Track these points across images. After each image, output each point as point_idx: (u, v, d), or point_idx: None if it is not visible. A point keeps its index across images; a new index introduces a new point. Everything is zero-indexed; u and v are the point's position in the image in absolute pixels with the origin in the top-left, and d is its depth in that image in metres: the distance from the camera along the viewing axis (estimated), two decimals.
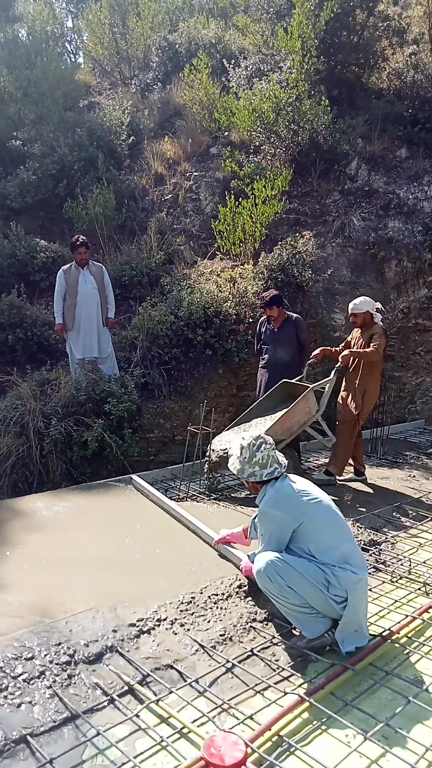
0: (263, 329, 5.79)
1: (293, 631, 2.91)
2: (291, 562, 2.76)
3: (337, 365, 5.14)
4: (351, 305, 5.30)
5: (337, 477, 5.40)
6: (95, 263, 6.36)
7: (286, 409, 4.91)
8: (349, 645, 2.72)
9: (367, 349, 5.10)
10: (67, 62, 12.96)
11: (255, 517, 3.37)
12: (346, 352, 5.08)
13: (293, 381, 5.35)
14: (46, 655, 2.58)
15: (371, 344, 5.10)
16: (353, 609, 2.70)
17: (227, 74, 9.85)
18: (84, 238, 6.18)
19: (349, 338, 5.53)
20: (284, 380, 5.37)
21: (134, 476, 5.10)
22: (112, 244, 7.90)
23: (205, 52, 10.00)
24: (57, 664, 2.55)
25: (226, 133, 9.43)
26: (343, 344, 5.49)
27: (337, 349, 5.35)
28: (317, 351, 5.33)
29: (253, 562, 3.03)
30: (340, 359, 5.09)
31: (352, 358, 5.12)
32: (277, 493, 2.87)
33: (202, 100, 9.46)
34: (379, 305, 5.36)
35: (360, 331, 5.36)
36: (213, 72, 9.85)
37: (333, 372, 5.16)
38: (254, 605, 3.15)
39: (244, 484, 3.15)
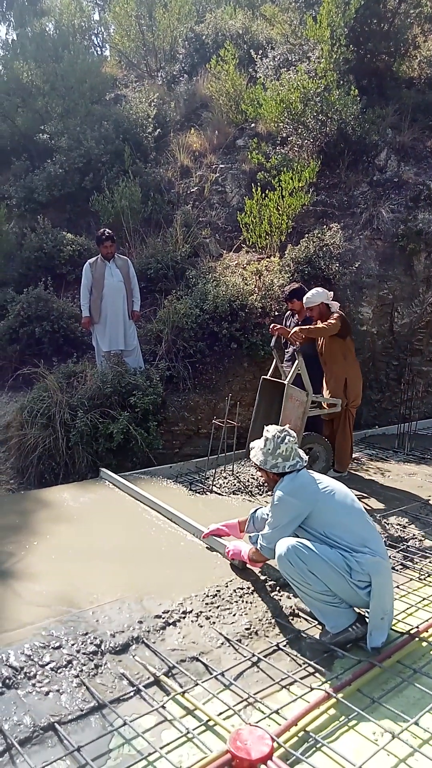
0: (288, 323, 5.77)
1: (319, 626, 2.89)
2: (312, 546, 2.74)
3: (294, 347, 4.97)
4: (304, 299, 5.18)
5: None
6: (121, 256, 6.38)
7: (280, 420, 4.70)
8: (377, 638, 2.68)
9: (318, 325, 4.93)
10: (94, 55, 12.99)
11: (255, 511, 3.43)
12: (296, 328, 4.89)
13: (269, 378, 5.26)
14: (73, 645, 2.61)
15: (326, 323, 4.92)
16: (378, 593, 2.67)
17: (254, 65, 9.75)
18: (110, 231, 6.20)
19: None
20: (263, 378, 5.29)
21: (104, 470, 5.00)
22: (137, 237, 7.91)
23: (232, 43, 9.91)
24: (84, 653, 2.57)
25: (252, 125, 9.35)
26: (290, 334, 5.15)
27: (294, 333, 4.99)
28: (276, 327, 5.14)
29: (255, 544, 3.09)
30: (290, 338, 4.94)
31: (322, 355, 5.13)
32: (294, 482, 2.91)
33: (229, 92, 9.39)
34: (331, 294, 5.23)
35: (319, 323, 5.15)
36: (240, 63, 9.76)
37: (297, 354, 4.98)
38: (280, 600, 3.13)
39: (261, 475, 3.18)
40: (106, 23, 14.03)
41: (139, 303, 6.42)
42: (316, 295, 5.15)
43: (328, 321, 4.96)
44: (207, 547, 3.68)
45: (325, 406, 5.22)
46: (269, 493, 4.44)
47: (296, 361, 5.01)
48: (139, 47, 11.78)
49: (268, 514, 3.21)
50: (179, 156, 9.02)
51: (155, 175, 8.63)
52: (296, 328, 4.91)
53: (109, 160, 8.44)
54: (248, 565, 3.37)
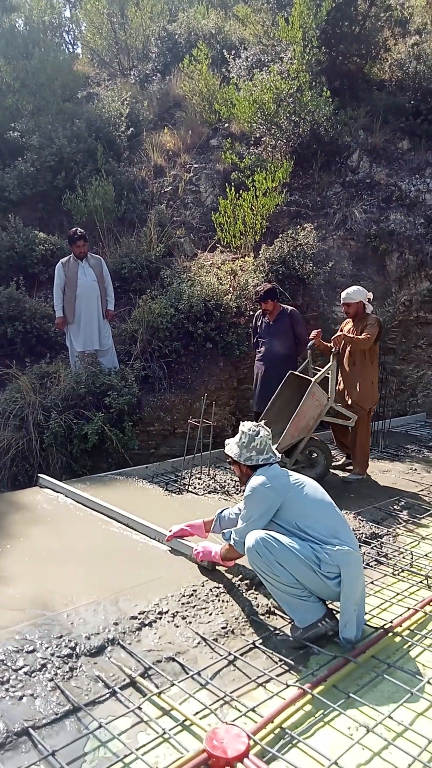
0: (259, 323, 5.79)
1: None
2: (281, 538, 2.77)
3: (333, 350, 5.01)
4: (344, 294, 5.20)
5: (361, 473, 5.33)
6: (94, 255, 6.33)
7: (296, 413, 4.82)
8: (350, 629, 2.70)
9: (360, 336, 4.99)
10: (65, 53, 12.83)
11: (221, 511, 3.44)
12: (339, 334, 5.01)
13: (298, 373, 5.29)
14: (47, 648, 2.58)
15: (364, 333, 5.00)
16: (348, 584, 2.69)
17: (227, 65, 9.77)
18: (82, 230, 6.15)
19: (339, 330, 5.40)
20: (291, 372, 5.29)
21: (43, 476, 4.81)
22: (111, 236, 7.86)
23: (205, 43, 9.92)
24: (58, 656, 2.54)
25: (226, 125, 9.37)
26: (334, 337, 5.30)
27: (329, 344, 5.15)
28: (314, 332, 5.16)
29: (228, 540, 3.08)
30: (332, 342, 5.00)
31: (344, 344, 5.07)
32: (266, 473, 2.97)
33: (202, 91, 9.39)
34: (370, 296, 5.29)
35: (353, 322, 5.27)
36: (213, 63, 9.77)
37: (332, 356, 5.01)
38: (256, 598, 3.14)
39: (235, 470, 3.20)
40: (77, 20, 13.90)
41: (114, 302, 6.38)
42: (356, 292, 5.15)
43: (370, 332, 4.96)
44: (169, 550, 3.61)
45: (337, 419, 5.14)
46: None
47: (330, 364, 5.00)
48: (112, 45, 11.70)
49: (240, 509, 3.23)
50: (153, 155, 8.99)
51: (129, 174, 8.59)
52: (339, 334, 4.99)
53: (81, 158, 8.36)
54: (219, 566, 3.35)
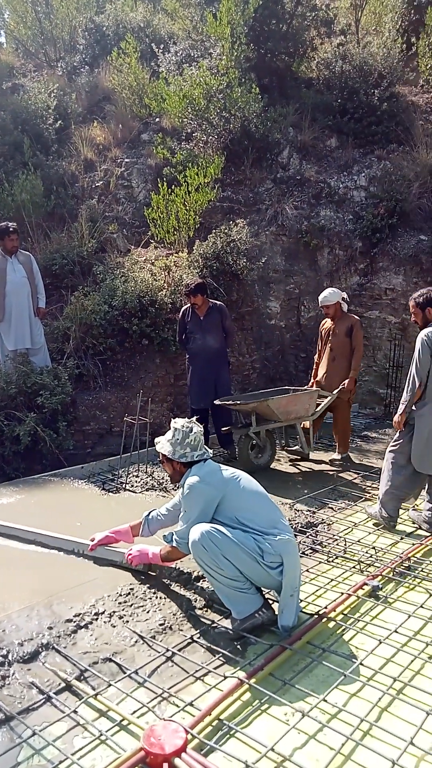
0: (187, 318, 5.75)
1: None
2: (225, 531, 2.77)
3: (341, 388, 5.51)
4: (321, 298, 5.62)
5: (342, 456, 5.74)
6: (23, 252, 6.14)
7: (294, 393, 5.40)
8: (288, 616, 2.74)
9: (357, 354, 5.54)
10: None
11: (148, 514, 3.36)
12: (352, 376, 5.51)
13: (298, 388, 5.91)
14: None
15: (353, 340, 5.51)
16: (289, 571, 2.74)
17: (157, 59, 9.69)
18: (14, 224, 5.95)
19: (321, 328, 5.84)
20: (286, 387, 6.01)
21: None
22: (41, 231, 7.65)
23: (134, 36, 9.80)
24: None
25: (157, 120, 9.30)
26: (320, 340, 5.85)
27: (344, 384, 5.52)
28: (348, 383, 5.52)
29: (170, 542, 3.02)
30: (346, 385, 5.50)
31: (325, 340, 5.70)
32: (202, 470, 2.96)
33: (132, 85, 9.28)
34: (344, 295, 5.72)
35: (333, 321, 5.66)
36: (142, 56, 9.66)
37: (336, 391, 5.52)
38: (194, 593, 3.14)
39: (166, 469, 3.15)
40: (0, 8, 13.41)
41: (45, 300, 6.21)
42: (332, 294, 5.60)
43: (360, 340, 5.52)
44: (93, 561, 3.41)
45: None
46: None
47: (333, 394, 5.56)
48: (37, 35, 11.36)
49: (168, 509, 3.23)
50: (83, 149, 8.80)
51: (58, 168, 8.37)
52: (352, 375, 5.51)
53: (6, 151, 8.09)
54: (155, 567, 3.29)
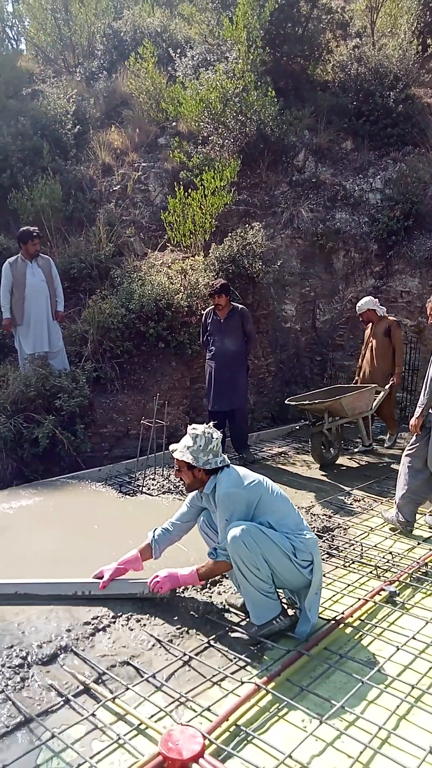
0: (209, 320, 5.77)
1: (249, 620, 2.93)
2: (263, 528, 2.77)
3: (392, 383, 6.08)
4: (357, 306, 6.30)
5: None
6: (42, 255, 6.20)
7: (359, 391, 5.73)
8: (314, 613, 2.79)
9: (398, 351, 6.10)
10: (9, 48, 12.56)
11: (153, 533, 3.12)
12: (398, 371, 6.12)
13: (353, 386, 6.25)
14: None
15: (393, 339, 6.05)
16: (317, 570, 2.80)
17: (173, 63, 9.74)
18: (37, 229, 6.03)
19: (367, 329, 6.40)
20: (338, 386, 6.38)
21: None
22: (59, 235, 7.73)
23: (151, 41, 9.85)
24: (9, 667, 2.49)
25: (173, 124, 9.34)
26: (364, 346, 6.42)
27: (393, 379, 6.11)
28: (397, 378, 6.15)
29: (215, 557, 2.85)
30: (395, 380, 6.12)
31: (368, 340, 6.28)
32: (232, 475, 2.89)
33: (149, 90, 9.33)
34: (376, 300, 6.29)
35: (370, 326, 6.29)
36: (159, 61, 9.72)
37: (388, 386, 6.05)
38: (211, 597, 3.15)
39: (183, 477, 2.99)
40: (20, 15, 13.57)
41: (63, 303, 6.27)
42: (364, 303, 6.23)
43: (399, 338, 6.09)
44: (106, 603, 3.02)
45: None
46: None
47: (386, 389, 6.08)
48: (56, 42, 11.49)
49: (173, 523, 3.12)
50: (100, 154, 8.88)
51: (76, 172, 8.45)
52: (396, 377, 6.11)
53: (26, 156, 8.18)
54: (187, 585, 3.07)
